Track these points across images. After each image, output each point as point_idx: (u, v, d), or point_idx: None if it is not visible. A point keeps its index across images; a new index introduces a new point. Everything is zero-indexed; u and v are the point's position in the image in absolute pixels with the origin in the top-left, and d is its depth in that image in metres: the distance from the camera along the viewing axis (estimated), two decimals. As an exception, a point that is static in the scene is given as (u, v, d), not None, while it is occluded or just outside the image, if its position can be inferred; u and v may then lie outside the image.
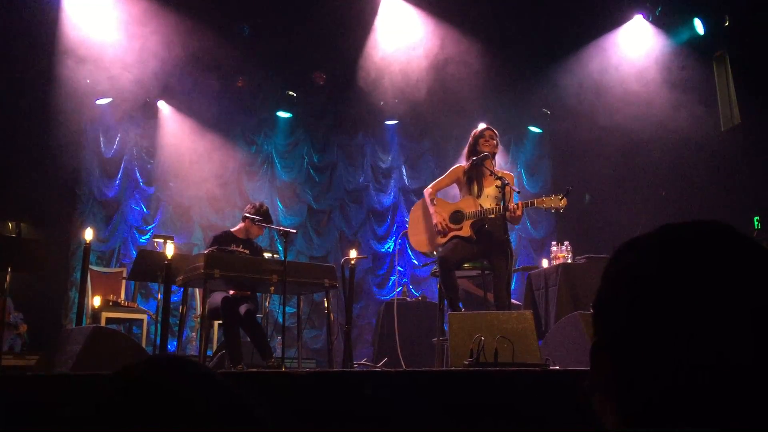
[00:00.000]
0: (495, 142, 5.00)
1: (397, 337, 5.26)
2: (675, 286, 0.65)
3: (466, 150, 5.13)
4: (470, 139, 5.10)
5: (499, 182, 4.67)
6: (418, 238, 5.02)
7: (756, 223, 6.49)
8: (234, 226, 5.73)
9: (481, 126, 5.12)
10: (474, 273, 5.34)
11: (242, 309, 5.11)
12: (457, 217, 4.82)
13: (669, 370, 0.64)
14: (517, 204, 4.63)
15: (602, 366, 0.69)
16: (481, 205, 4.80)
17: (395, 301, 5.83)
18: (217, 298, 5.08)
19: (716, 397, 0.62)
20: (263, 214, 5.51)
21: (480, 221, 4.78)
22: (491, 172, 4.71)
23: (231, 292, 5.25)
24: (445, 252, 4.69)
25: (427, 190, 5.08)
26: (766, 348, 0.62)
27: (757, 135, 7.15)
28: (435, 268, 5.06)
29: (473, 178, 4.93)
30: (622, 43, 8.70)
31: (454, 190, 5.22)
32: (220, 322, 6.34)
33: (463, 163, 5.13)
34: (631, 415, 0.66)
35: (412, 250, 5.31)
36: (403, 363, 4.80)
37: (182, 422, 0.66)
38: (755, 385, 0.61)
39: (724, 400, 0.61)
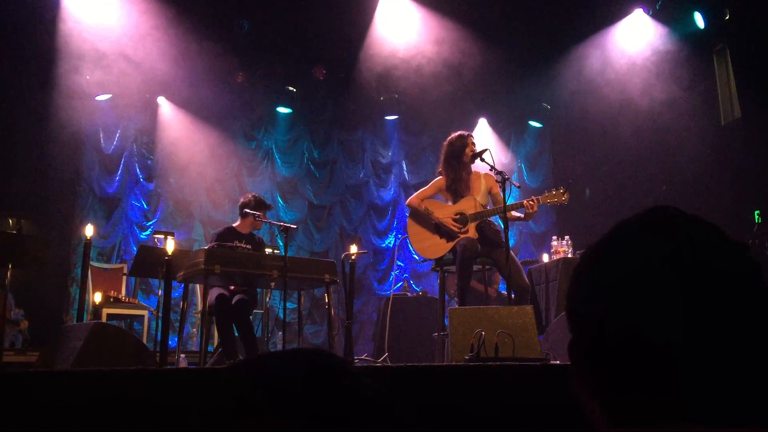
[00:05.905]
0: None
1: (387, 331, 5.27)
2: (625, 281, 0.66)
3: (446, 159, 4.96)
4: (452, 146, 4.94)
5: (490, 180, 4.79)
6: (421, 245, 4.96)
7: (756, 216, 6.49)
8: (235, 222, 5.74)
9: (458, 133, 5.00)
10: (475, 268, 5.33)
11: (234, 303, 5.13)
12: (459, 219, 4.80)
13: (631, 364, 0.64)
14: (532, 200, 4.62)
15: (580, 365, 0.70)
16: (483, 205, 4.81)
17: (390, 297, 5.83)
18: (213, 294, 5.10)
19: (685, 393, 0.61)
20: (259, 204, 5.54)
21: (482, 222, 4.80)
22: (492, 167, 4.66)
23: (231, 287, 5.27)
24: (467, 241, 4.67)
25: (414, 200, 4.98)
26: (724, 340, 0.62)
27: (758, 129, 7.14)
28: (435, 264, 5.04)
29: (459, 191, 4.88)
30: (622, 37, 8.68)
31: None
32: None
33: (443, 173, 5.00)
34: (614, 412, 0.66)
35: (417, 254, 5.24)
36: (388, 358, 4.79)
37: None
38: (716, 377, 0.61)
39: (693, 394, 0.61)
